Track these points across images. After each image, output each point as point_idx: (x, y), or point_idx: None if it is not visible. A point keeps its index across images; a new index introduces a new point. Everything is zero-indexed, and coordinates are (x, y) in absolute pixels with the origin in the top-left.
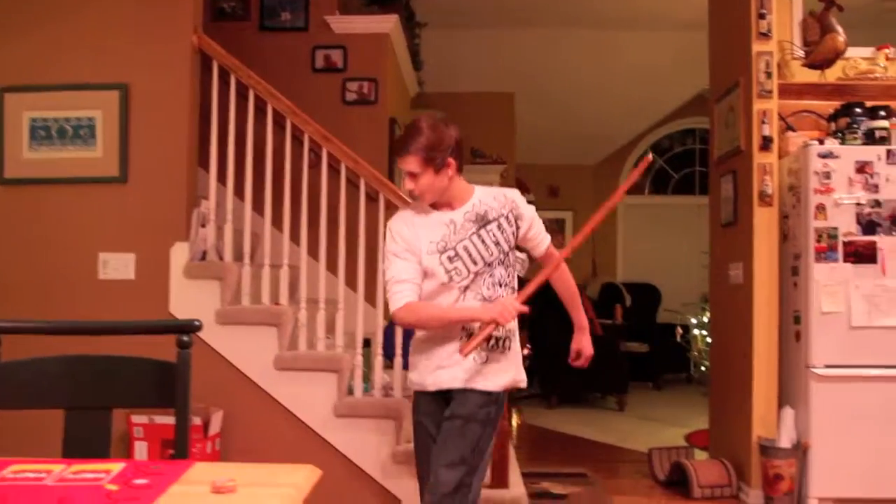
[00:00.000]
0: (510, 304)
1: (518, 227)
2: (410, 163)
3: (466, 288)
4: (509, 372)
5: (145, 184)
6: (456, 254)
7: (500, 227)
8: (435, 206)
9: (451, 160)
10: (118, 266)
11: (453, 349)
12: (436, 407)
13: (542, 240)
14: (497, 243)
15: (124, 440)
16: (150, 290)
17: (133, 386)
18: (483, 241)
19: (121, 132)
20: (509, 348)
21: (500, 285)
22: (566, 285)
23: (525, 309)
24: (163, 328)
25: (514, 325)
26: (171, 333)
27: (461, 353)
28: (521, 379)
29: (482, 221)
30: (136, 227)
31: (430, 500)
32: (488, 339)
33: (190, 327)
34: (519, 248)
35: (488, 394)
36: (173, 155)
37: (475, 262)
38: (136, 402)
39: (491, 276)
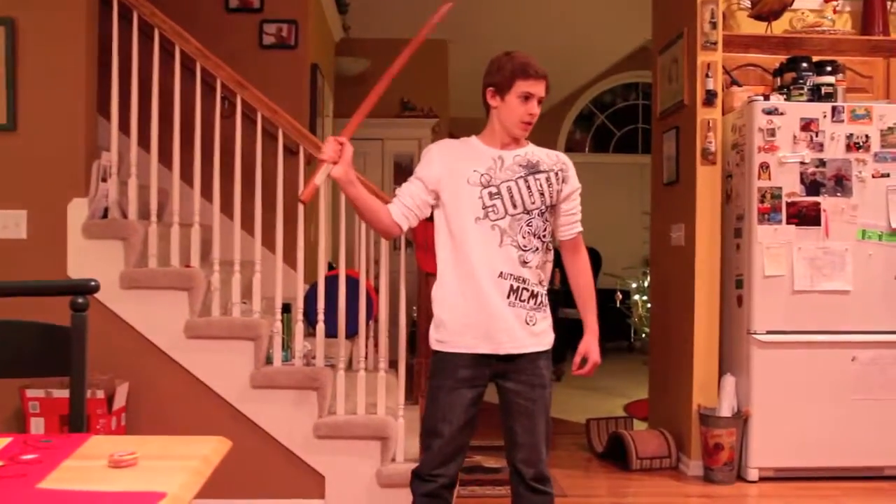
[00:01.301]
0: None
1: (561, 190)
2: (545, 88)
3: (503, 232)
4: (550, 326)
5: (37, 132)
6: (498, 192)
7: (548, 179)
8: (488, 142)
9: None
10: (7, 224)
11: (502, 306)
12: (476, 371)
13: (575, 220)
14: (542, 194)
15: (18, 416)
16: (44, 251)
17: (21, 353)
18: (528, 188)
19: (7, 74)
20: (545, 304)
21: (535, 237)
22: (586, 283)
23: (342, 139)
24: (55, 289)
25: (545, 280)
26: (65, 295)
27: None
28: None
29: (532, 169)
30: (28, 181)
31: (533, 473)
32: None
33: (85, 288)
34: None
35: (547, 352)
36: (69, 100)
37: (514, 206)
38: (25, 370)
39: (529, 224)
